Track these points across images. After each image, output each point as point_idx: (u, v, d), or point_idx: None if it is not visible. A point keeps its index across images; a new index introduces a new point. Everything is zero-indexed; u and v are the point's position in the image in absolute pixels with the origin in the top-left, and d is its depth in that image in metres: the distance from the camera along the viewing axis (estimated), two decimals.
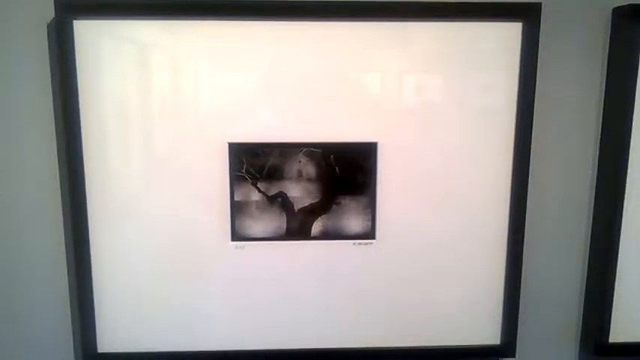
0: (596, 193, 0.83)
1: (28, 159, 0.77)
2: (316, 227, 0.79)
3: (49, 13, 0.72)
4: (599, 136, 0.81)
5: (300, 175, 0.78)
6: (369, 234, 0.80)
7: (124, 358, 0.80)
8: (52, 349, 0.83)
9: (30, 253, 0.80)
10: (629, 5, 0.76)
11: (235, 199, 0.78)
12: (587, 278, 0.85)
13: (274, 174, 0.77)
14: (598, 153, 0.82)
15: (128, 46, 0.73)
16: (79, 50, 0.72)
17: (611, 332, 0.84)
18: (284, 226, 0.79)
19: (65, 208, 0.78)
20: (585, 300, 0.86)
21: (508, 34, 0.76)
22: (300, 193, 0.78)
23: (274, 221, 0.79)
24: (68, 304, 0.81)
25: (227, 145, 0.76)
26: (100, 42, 0.72)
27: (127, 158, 0.76)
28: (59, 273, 0.80)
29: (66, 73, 0.72)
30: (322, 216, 0.79)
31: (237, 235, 0.79)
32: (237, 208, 0.78)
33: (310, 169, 0.78)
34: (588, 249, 0.84)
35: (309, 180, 0.78)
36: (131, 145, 0.76)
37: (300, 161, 0.77)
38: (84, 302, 0.78)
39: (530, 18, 0.75)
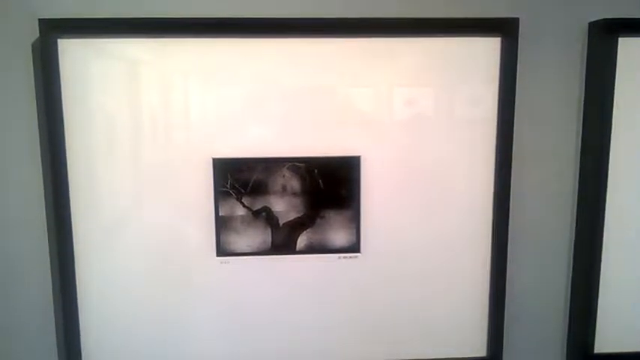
0: (578, 205, 0.84)
1: (12, 173, 0.77)
2: (301, 241, 0.80)
3: (35, 32, 0.73)
4: (579, 147, 0.82)
5: (284, 189, 0.78)
6: (354, 248, 0.80)
7: None
8: None
9: (16, 271, 0.79)
10: (604, 20, 0.78)
11: (220, 214, 0.78)
12: (572, 291, 0.86)
13: (258, 189, 0.78)
14: (579, 165, 0.83)
15: (113, 63, 0.74)
16: (63, 68, 0.73)
17: (596, 343, 0.84)
18: (269, 240, 0.79)
19: (50, 225, 0.78)
20: (570, 312, 0.86)
21: (488, 48, 0.77)
22: (284, 207, 0.79)
23: (259, 236, 0.79)
24: (53, 320, 0.81)
25: (211, 161, 0.77)
26: (84, 60, 0.73)
27: (112, 174, 0.76)
28: (44, 295, 0.80)
29: (51, 91, 0.73)
30: (307, 230, 0.79)
31: (222, 251, 0.79)
32: (222, 224, 0.78)
33: (294, 184, 0.78)
34: (572, 262, 0.85)
35: (294, 194, 0.78)
36: (116, 161, 0.76)
37: (284, 176, 0.78)
38: (69, 317, 0.78)
39: (508, 32, 0.76)
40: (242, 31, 0.74)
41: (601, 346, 0.85)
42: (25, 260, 0.79)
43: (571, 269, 0.85)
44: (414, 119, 0.78)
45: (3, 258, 0.79)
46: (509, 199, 0.80)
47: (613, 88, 0.79)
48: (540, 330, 0.86)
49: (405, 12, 0.77)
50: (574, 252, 0.85)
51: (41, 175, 0.77)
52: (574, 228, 0.84)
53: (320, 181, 0.78)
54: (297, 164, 0.78)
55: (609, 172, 0.80)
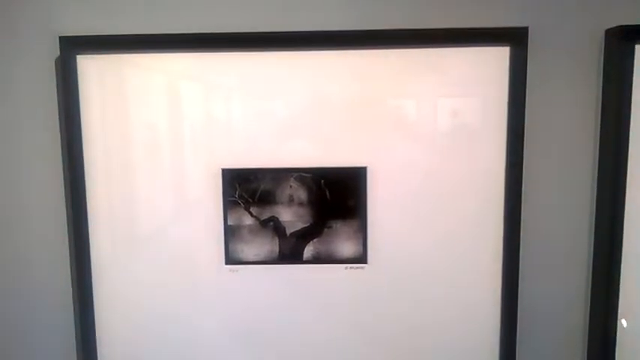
0: (596, 217, 0.81)
1: (35, 180, 0.82)
2: (308, 251, 0.80)
3: (57, 50, 0.77)
4: (597, 156, 0.80)
5: (291, 199, 0.79)
6: (361, 258, 0.80)
7: None
8: None
9: (37, 276, 0.83)
10: (621, 27, 0.75)
11: (229, 223, 0.80)
12: (591, 311, 0.82)
13: (266, 198, 0.79)
14: (597, 175, 0.80)
15: (127, 77, 0.77)
16: (82, 81, 0.77)
17: (617, 349, 0.80)
18: (276, 249, 0.80)
19: (70, 236, 0.82)
20: (591, 313, 0.82)
21: (498, 58, 0.76)
22: (291, 217, 0.80)
23: (267, 245, 0.80)
24: (72, 325, 0.84)
25: (220, 171, 0.79)
26: (101, 73, 0.77)
27: (128, 183, 0.79)
28: (63, 299, 0.84)
29: (70, 104, 0.77)
30: (314, 240, 0.80)
31: (230, 259, 0.81)
32: (231, 233, 0.80)
33: (301, 194, 0.79)
34: (591, 277, 0.82)
35: (301, 204, 0.79)
36: (131, 171, 0.79)
37: (291, 186, 0.79)
38: (85, 324, 0.81)
39: (517, 42, 0.75)
40: (249, 45, 0.76)
41: (622, 351, 0.81)
42: (46, 271, 0.83)
43: (590, 285, 0.82)
44: (421, 130, 0.78)
45: (25, 264, 0.83)
46: (520, 212, 0.78)
47: (630, 96, 0.76)
48: (556, 351, 0.83)
49: (415, 23, 0.77)
50: (593, 266, 0.81)
51: (62, 182, 0.81)
52: (592, 241, 0.81)
53: (327, 191, 0.79)
54: (304, 175, 0.79)
55: (627, 182, 0.77)
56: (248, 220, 0.80)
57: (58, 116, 0.80)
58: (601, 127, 0.79)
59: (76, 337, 0.84)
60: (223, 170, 0.79)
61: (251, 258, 0.81)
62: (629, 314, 0.80)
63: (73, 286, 0.83)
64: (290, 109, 0.77)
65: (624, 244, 0.78)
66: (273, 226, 0.80)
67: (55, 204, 0.82)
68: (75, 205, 0.79)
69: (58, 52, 0.77)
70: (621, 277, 0.79)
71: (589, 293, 0.82)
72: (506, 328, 0.80)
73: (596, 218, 0.81)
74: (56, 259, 0.83)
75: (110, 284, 0.81)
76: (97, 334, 0.82)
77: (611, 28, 0.77)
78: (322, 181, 0.79)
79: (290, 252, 0.80)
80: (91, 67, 0.77)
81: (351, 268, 0.80)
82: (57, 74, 0.79)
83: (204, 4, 0.77)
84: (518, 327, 0.80)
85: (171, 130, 0.79)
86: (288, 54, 0.76)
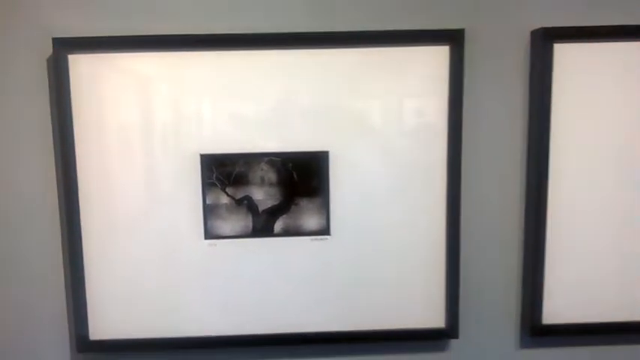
0: (526, 192, 0.94)
1: (29, 171, 0.90)
2: (278, 226, 0.91)
3: (49, 49, 0.86)
4: (526, 144, 0.93)
5: (262, 180, 0.90)
6: (325, 231, 0.92)
7: (112, 344, 0.92)
8: (52, 339, 0.95)
9: (29, 251, 0.92)
10: (543, 28, 0.89)
11: (207, 202, 0.90)
12: (523, 269, 0.96)
13: (240, 180, 0.90)
14: (525, 156, 0.93)
15: (115, 74, 0.87)
16: (73, 78, 0.86)
17: (543, 315, 0.94)
18: (250, 225, 0.91)
19: (62, 214, 0.91)
20: (522, 287, 0.96)
21: (438, 56, 0.88)
22: (263, 196, 0.91)
23: (241, 221, 0.91)
24: (64, 298, 0.94)
25: (199, 157, 0.89)
26: (91, 71, 0.86)
27: (117, 170, 0.89)
28: (56, 273, 0.93)
29: (62, 101, 0.86)
30: (283, 216, 0.91)
31: (209, 234, 0.91)
32: (209, 211, 0.91)
33: (271, 176, 0.90)
34: (522, 241, 0.95)
35: (271, 185, 0.90)
36: (121, 159, 0.89)
37: (262, 169, 0.90)
38: (77, 295, 0.90)
39: (455, 42, 0.88)
40: (224, 45, 0.86)
41: (548, 317, 0.95)
42: (37, 245, 0.92)
43: (522, 250, 0.96)
44: (373, 120, 0.90)
45: (18, 240, 0.92)
46: (459, 191, 0.91)
47: (551, 87, 0.89)
48: (496, 304, 0.97)
49: (367, 26, 0.88)
50: (524, 232, 0.95)
51: (54, 165, 0.90)
52: (523, 212, 0.95)
53: (294, 173, 0.90)
54: (274, 159, 0.90)
55: (550, 161, 0.91)
56: (224, 200, 0.90)
57: (50, 110, 0.89)
58: (529, 117, 0.93)
59: (67, 309, 0.93)
60: (202, 156, 0.89)
61: (228, 233, 0.91)
62: (555, 290, 0.94)
63: (64, 264, 0.92)
64: (262, 102, 0.88)
65: (548, 222, 0.92)
66: (247, 205, 0.91)
67: (48, 190, 0.91)
68: (67, 191, 0.88)
69: (50, 51, 0.86)
70: (545, 258, 0.93)
71: (522, 247, 0.96)
72: (451, 289, 0.93)
73: (525, 199, 0.94)
74: (51, 251, 0.92)
75: (102, 257, 0.90)
76: (87, 305, 0.91)
77: (535, 30, 0.90)
78: (290, 164, 0.90)
79: (262, 227, 0.91)
80: (81, 65, 0.86)
81: (315, 239, 0.92)
82: (49, 72, 0.88)
83: (185, 9, 0.87)
84: (461, 283, 0.93)
85: (157, 122, 0.88)
86: (260, 52, 0.86)
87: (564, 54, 0.89)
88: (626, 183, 0.92)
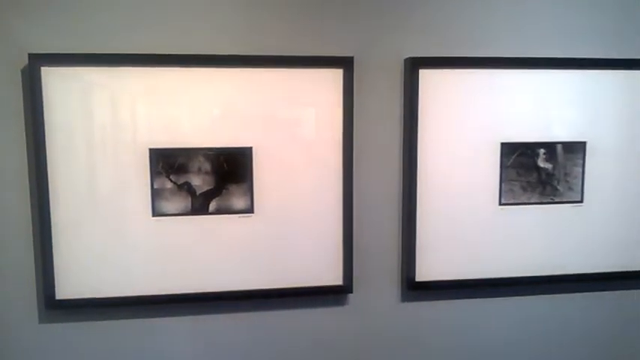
0: (402, 178, 1.25)
1: (6, 163, 1.11)
2: (212, 206, 1.16)
3: (23, 62, 1.07)
4: (401, 143, 1.24)
5: (200, 169, 1.15)
6: (249, 209, 1.18)
7: (74, 303, 1.13)
8: (19, 298, 1.14)
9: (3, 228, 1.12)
10: (410, 58, 1.20)
11: (155, 187, 1.14)
12: (402, 236, 1.26)
13: (182, 169, 1.14)
14: (401, 151, 1.24)
15: (82, 84, 1.09)
16: (45, 88, 1.08)
17: (417, 273, 1.25)
18: (189, 205, 1.16)
19: (33, 195, 1.11)
20: (401, 251, 1.26)
21: (335, 77, 1.17)
22: (200, 182, 1.15)
23: (182, 202, 1.15)
24: (32, 260, 1.13)
25: (148, 150, 1.13)
26: (61, 82, 1.08)
27: (83, 159, 1.11)
28: (27, 241, 1.13)
29: (35, 108, 1.07)
30: (216, 198, 1.16)
31: (156, 212, 1.15)
32: (156, 194, 1.14)
33: (207, 166, 1.15)
34: (400, 215, 1.26)
35: (206, 173, 1.15)
36: (86, 151, 1.11)
37: (199, 160, 1.15)
38: (46, 262, 1.11)
39: (346, 67, 1.17)
40: (171, 63, 1.11)
41: (421, 275, 1.25)
42: (8, 209, 1.12)
43: (400, 219, 1.26)
44: (286, 123, 1.17)
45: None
46: (352, 175, 1.20)
47: (418, 106, 1.21)
48: (383, 264, 1.26)
49: (277, 51, 1.16)
50: (401, 208, 1.25)
51: (26, 156, 1.11)
52: (401, 193, 1.25)
53: (224, 164, 1.16)
54: (209, 152, 1.15)
55: (418, 155, 1.22)
56: (168, 185, 1.14)
57: (23, 113, 1.10)
58: (403, 123, 1.24)
59: (36, 273, 1.13)
60: (150, 150, 1.13)
61: (171, 211, 1.15)
62: (425, 253, 1.24)
63: (35, 242, 1.12)
64: (199, 108, 1.14)
65: (417, 201, 1.23)
66: (187, 189, 1.15)
67: (21, 176, 1.11)
68: (39, 180, 1.09)
69: (25, 63, 1.08)
70: (417, 229, 1.24)
71: (400, 229, 1.26)
72: (347, 253, 1.21)
73: (402, 184, 1.25)
74: (24, 226, 1.12)
75: (69, 227, 1.11)
76: (54, 267, 1.12)
77: (406, 58, 1.22)
78: (221, 157, 1.16)
79: (199, 206, 1.16)
80: (52, 76, 1.08)
81: (242, 216, 1.18)
82: (23, 81, 1.09)
83: (138, 34, 1.11)
84: (354, 248, 1.22)
85: (114, 123, 1.11)
86: (198, 70, 1.12)
87: (428, 77, 1.21)
88: (482, 166, 1.25)
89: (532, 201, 1.29)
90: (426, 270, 1.26)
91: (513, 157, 1.27)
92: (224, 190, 1.17)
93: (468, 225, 1.27)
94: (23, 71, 1.09)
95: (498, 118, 1.25)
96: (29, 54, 1.06)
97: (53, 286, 1.12)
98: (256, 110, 1.16)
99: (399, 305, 1.29)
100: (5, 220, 1.12)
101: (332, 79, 1.18)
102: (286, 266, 1.21)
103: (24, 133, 1.11)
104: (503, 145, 1.26)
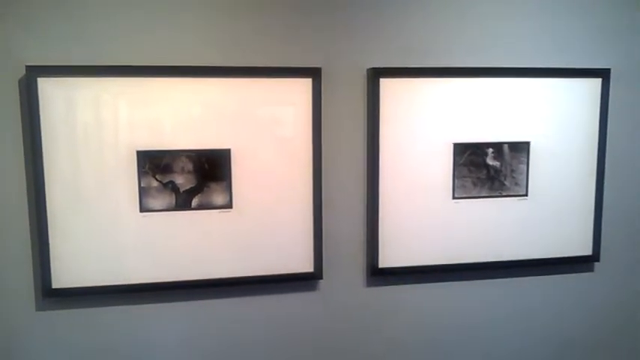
0: (365, 177, 1.39)
1: (4, 162, 1.21)
2: (194, 202, 1.29)
3: (20, 72, 1.18)
4: (366, 146, 1.38)
5: (183, 169, 1.28)
6: (228, 205, 1.31)
7: (70, 291, 1.25)
8: (18, 287, 1.25)
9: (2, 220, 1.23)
10: (372, 68, 1.34)
11: (142, 185, 1.26)
12: (367, 226, 1.40)
13: (166, 169, 1.27)
14: (365, 153, 1.38)
15: (76, 92, 1.20)
16: (42, 97, 1.19)
17: (380, 260, 1.39)
18: (173, 201, 1.28)
19: (31, 195, 1.23)
20: (365, 240, 1.41)
21: (304, 86, 1.31)
22: (183, 180, 1.28)
23: (167, 199, 1.28)
24: (30, 252, 1.25)
25: (136, 152, 1.25)
26: (57, 91, 1.19)
27: (77, 161, 1.22)
28: (25, 234, 1.24)
29: (32, 114, 1.18)
30: (198, 195, 1.29)
31: (143, 208, 1.27)
32: (143, 191, 1.26)
33: (189, 166, 1.28)
34: (365, 207, 1.40)
35: (189, 172, 1.28)
36: (80, 154, 1.22)
37: (182, 160, 1.28)
38: (43, 253, 1.22)
39: (315, 76, 1.31)
40: (156, 74, 1.23)
41: (384, 262, 1.40)
42: (5, 200, 1.23)
43: (365, 211, 1.40)
44: (262, 127, 1.31)
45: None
46: (321, 174, 1.34)
47: (379, 109, 1.35)
48: (348, 253, 1.40)
49: (252, 62, 1.29)
50: (366, 201, 1.40)
51: (23, 159, 1.22)
52: (365, 188, 1.39)
53: (205, 164, 1.29)
54: (191, 154, 1.28)
55: (380, 157, 1.36)
56: (154, 183, 1.27)
57: (21, 118, 1.21)
58: (366, 127, 1.38)
59: (34, 265, 1.25)
60: (138, 151, 1.25)
61: (157, 207, 1.28)
62: (387, 242, 1.39)
63: (32, 237, 1.24)
64: (182, 114, 1.26)
65: (380, 196, 1.37)
66: (171, 187, 1.28)
67: (18, 174, 1.22)
68: (36, 181, 1.20)
69: (23, 74, 1.19)
70: (379, 219, 1.38)
71: (362, 219, 1.40)
72: (317, 243, 1.35)
73: (365, 183, 1.39)
74: (22, 221, 1.23)
75: (62, 227, 1.23)
76: (50, 257, 1.23)
77: (369, 68, 1.36)
78: (203, 157, 1.28)
79: (182, 203, 1.29)
80: (48, 86, 1.19)
81: (222, 212, 1.31)
82: (20, 91, 1.20)
83: (125, 47, 1.23)
84: (324, 238, 1.36)
85: (105, 128, 1.23)
86: (181, 80, 1.25)
87: (388, 86, 1.36)
88: (437, 164, 1.40)
89: (482, 195, 1.44)
90: (388, 257, 1.41)
91: (465, 156, 1.42)
92: (205, 188, 1.29)
93: (425, 217, 1.42)
94: (20, 81, 1.20)
95: (451, 121, 1.40)
96: (26, 65, 1.18)
97: (49, 276, 1.24)
98: (234, 115, 1.29)
99: (364, 290, 1.43)
100: (5, 220, 1.23)
101: (302, 87, 1.31)
102: (262, 255, 1.34)
103: (21, 138, 1.22)
104: (455, 145, 1.41)
